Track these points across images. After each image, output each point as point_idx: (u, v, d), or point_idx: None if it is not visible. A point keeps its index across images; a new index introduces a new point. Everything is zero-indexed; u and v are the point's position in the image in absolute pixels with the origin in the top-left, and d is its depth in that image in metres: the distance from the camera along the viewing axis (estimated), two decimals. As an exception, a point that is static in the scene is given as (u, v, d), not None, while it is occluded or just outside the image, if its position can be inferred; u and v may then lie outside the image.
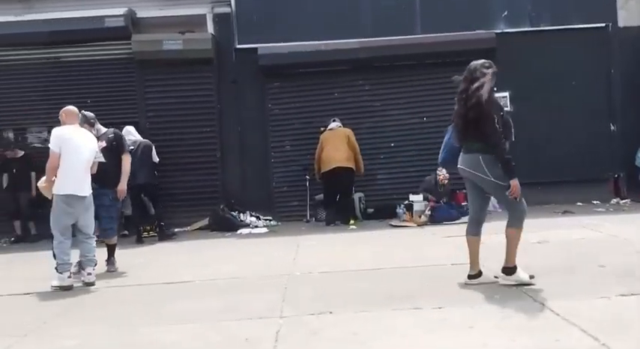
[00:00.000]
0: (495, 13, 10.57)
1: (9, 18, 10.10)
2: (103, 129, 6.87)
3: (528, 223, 4.88)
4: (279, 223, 10.04)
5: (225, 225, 9.61)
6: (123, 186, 6.55)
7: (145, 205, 9.68)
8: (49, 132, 10.19)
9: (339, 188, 9.58)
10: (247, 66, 10.50)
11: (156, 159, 9.27)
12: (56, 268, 5.71)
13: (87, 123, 6.61)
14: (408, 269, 5.69)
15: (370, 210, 10.07)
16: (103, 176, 6.30)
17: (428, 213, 9.26)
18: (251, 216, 10.09)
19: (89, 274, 5.81)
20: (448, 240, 7.26)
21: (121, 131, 9.11)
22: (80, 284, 5.78)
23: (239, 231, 9.43)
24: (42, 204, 9.98)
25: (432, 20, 10.45)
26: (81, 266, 5.87)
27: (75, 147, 5.82)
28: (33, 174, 9.99)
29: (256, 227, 9.64)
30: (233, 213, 9.87)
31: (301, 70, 10.41)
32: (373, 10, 10.48)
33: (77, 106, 10.27)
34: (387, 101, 10.58)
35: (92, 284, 5.78)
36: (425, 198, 9.47)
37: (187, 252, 7.76)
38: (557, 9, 10.57)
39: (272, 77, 10.54)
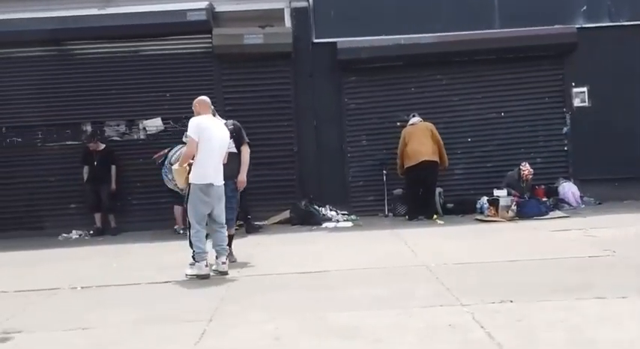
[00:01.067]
0: (574, 8, 10.50)
1: (91, 11, 10.14)
2: (222, 121, 6.86)
3: None
4: (358, 218, 10.03)
5: (308, 219, 9.60)
6: (243, 176, 6.54)
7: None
8: (127, 126, 10.56)
9: (424, 182, 9.55)
10: (323, 60, 10.51)
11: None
12: (193, 257, 5.72)
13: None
14: (544, 262, 5.64)
15: (450, 205, 10.04)
16: (224, 167, 6.30)
17: (514, 208, 9.23)
18: (329, 210, 10.10)
19: (223, 263, 5.82)
20: (557, 235, 7.22)
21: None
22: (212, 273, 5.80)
23: (323, 225, 9.43)
24: (122, 197, 10.29)
25: (511, 15, 10.40)
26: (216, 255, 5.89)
27: (211, 137, 5.82)
28: (113, 167, 10.08)
29: (338, 221, 9.64)
30: (315, 207, 9.86)
31: (378, 65, 10.40)
32: (452, 4, 10.45)
33: (156, 100, 10.55)
34: (465, 96, 10.55)
35: (226, 273, 5.79)
36: (508, 194, 9.44)
37: (291, 244, 7.77)
38: (636, 4, 10.50)
39: (349, 71, 10.53)
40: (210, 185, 5.75)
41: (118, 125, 10.53)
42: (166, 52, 10.43)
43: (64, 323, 4.32)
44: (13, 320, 4.51)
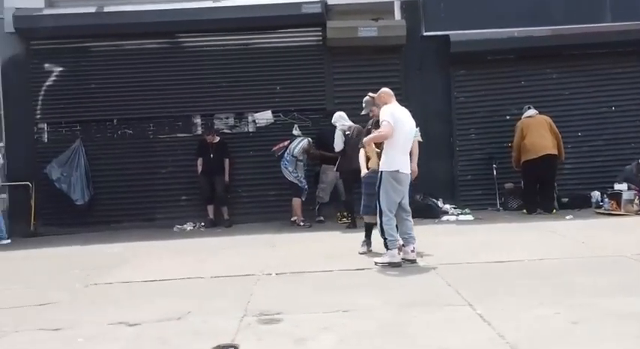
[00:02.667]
0: (688, 1, 10.42)
1: (205, 4, 10.17)
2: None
3: None
4: (471, 212, 9.98)
5: (426, 213, 9.54)
6: (415, 166, 6.50)
7: (339, 191, 9.75)
8: (236, 118, 10.59)
9: (543, 175, 9.50)
10: (432, 53, 10.48)
11: (367, 144, 9.25)
12: (386, 245, 5.72)
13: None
14: None
15: (565, 200, 9.97)
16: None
17: (637, 201, 9.16)
18: (443, 203, 10.07)
19: (412, 251, 5.81)
20: None
21: (332, 116, 9.31)
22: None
23: (444, 218, 9.41)
24: (232, 190, 10.31)
25: (623, 8, 10.31)
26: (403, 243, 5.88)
27: (404, 126, 5.82)
28: (227, 159, 10.11)
29: (458, 214, 9.60)
30: (433, 200, 9.83)
31: (489, 58, 10.36)
32: (565, -3, 10.40)
33: (266, 92, 10.57)
34: (575, 90, 10.47)
35: (414, 261, 5.78)
36: (627, 188, 9.37)
37: (441, 235, 7.72)
38: None
39: (458, 65, 10.48)
40: (402, 173, 5.75)
41: (227, 117, 10.55)
42: (277, 44, 10.43)
43: (318, 306, 4.33)
44: (260, 302, 4.52)
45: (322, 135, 9.78)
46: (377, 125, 6.69)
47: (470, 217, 9.43)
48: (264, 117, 10.46)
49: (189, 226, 10.00)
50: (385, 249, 5.72)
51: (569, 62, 10.44)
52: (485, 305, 4.10)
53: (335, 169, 9.14)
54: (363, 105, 6.98)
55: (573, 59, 10.41)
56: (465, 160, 10.55)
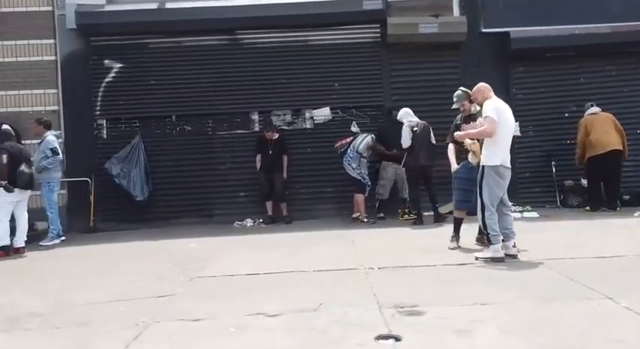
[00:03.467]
0: None
1: (265, 0, 10.18)
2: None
3: None
4: (533, 209, 9.94)
5: (489, 209, 9.52)
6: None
7: (398, 187, 9.74)
8: (293, 115, 10.58)
9: (609, 172, 9.45)
10: (490, 50, 10.44)
11: (433, 140, 9.23)
12: (489, 240, 5.71)
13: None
14: None
15: (626, 197, 9.93)
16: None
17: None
18: (503, 200, 10.01)
19: (514, 247, 5.80)
20: None
21: (397, 113, 9.31)
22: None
23: (507, 215, 9.37)
24: (289, 186, 10.31)
25: (685, 5, 10.28)
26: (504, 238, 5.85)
27: (507, 120, 5.80)
28: (285, 156, 10.10)
29: (522, 212, 9.56)
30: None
31: (548, 55, 10.33)
32: (626, -6, 10.35)
33: (324, 89, 10.56)
34: (635, 87, 10.42)
35: (515, 256, 5.76)
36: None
37: (523, 232, 7.65)
38: None
39: (517, 61, 10.45)
40: (505, 167, 5.74)
41: (284, 114, 10.55)
42: (336, 41, 10.43)
43: (451, 299, 4.31)
44: (387, 295, 4.51)
45: (382, 132, 9.80)
46: (468, 119, 6.70)
47: (534, 214, 9.38)
48: (322, 113, 10.45)
49: (249, 222, 10.01)
50: (478, 245, 5.70)
51: (628, 59, 10.40)
52: (628, 298, 4.08)
53: (401, 166, 9.13)
54: (454, 99, 6.96)
55: (633, 56, 10.37)
56: (524, 157, 10.50)
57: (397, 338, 3.51)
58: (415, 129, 8.89)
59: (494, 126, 5.65)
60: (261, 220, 10.08)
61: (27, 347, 3.82)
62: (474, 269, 5.47)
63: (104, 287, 5.36)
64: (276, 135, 10.05)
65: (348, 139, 9.69)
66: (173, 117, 10.45)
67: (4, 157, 7.96)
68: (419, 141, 8.88)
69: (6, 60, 10.30)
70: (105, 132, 10.42)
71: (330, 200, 10.31)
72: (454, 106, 6.97)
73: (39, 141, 8.99)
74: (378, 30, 10.36)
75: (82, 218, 10.10)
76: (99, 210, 10.17)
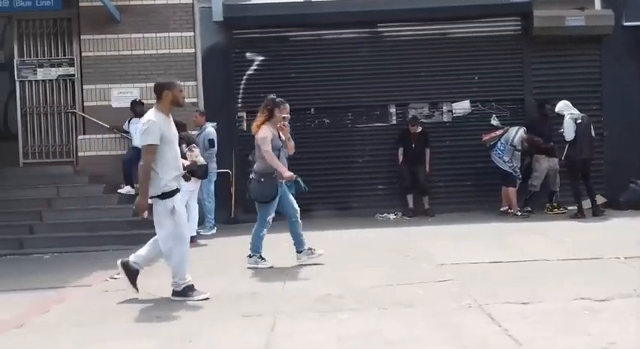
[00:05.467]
0: None
1: (406, -7, 10.21)
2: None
3: None
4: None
5: (640, 204, 9.45)
6: None
7: (550, 181, 9.69)
8: (431, 108, 10.59)
9: None
10: (631, 44, 10.34)
11: (593, 133, 9.16)
12: None
13: None
14: None
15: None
16: None
17: None
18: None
19: None
20: None
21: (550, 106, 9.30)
22: None
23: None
24: (431, 179, 10.30)
25: None
26: None
27: None
28: (428, 149, 10.09)
29: None
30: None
31: (692, 48, 10.22)
32: None
33: (463, 82, 10.54)
34: None
35: None
36: None
37: None
38: None
39: (659, 55, 10.36)
40: None
41: (421, 107, 10.55)
42: (475, 34, 10.41)
43: None
44: None
45: (531, 125, 9.74)
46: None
47: None
48: (462, 107, 10.43)
49: (391, 215, 10.04)
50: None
51: None
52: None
53: (562, 158, 9.08)
54: None
55: None
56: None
57: None
58: (579, 121, 8.84)
59: None
60: (401, 213, 10.10)
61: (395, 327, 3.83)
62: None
63: (363, 272, 5.40)
64: (420, 129, 10.05)
65: (498, 132, 9.65)
66: (312, 110, 10.51)
67: (184, 147, 8.05)
68: (582, 134, 8.83)
69: (146, 52, 10.42)
70: (245, 124, 10.49)
71: (470, 194, 10.28)
72: None
73: (198, 132, 9.13)
74: (519, 23, 10.32)
75: (222, 209, 10.18)
76: (239, 202, 10.26)
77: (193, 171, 8.13)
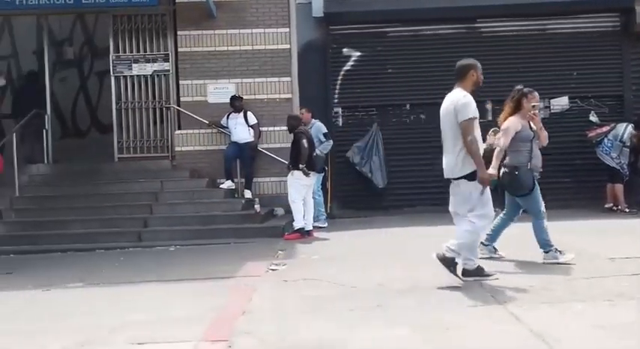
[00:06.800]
0: None
1: (504, -11, 10.16)
2: None
3: None
4: None
5: None
6: None
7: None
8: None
9: None
10: None
11: None
12: None
13: None
14: None
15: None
16: None
17: None
18: None
19: None
20: None
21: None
22: None
23: None
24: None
25: None
26: None
27: None
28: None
29: None
30: None
31: None
32: None
33: (562, 78, 10.46)
34: None
35: None
36: None
37: None
38: None
39: None
40: None
41: (517, 104, 10.48)
42: (574, 30, 10.37)
43: None
44: None
45: (640, 121, 9.67)
46: None
47: None
48: (560, 103, 10.37)
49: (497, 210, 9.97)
50: None
51: None
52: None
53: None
54: None
55: None
56: None
57: None
58: None
59: None
60: (496, 209, 10.02)
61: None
62: None
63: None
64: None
65: (604, 128, 9.58)
66: (407, 106, 10.50)
67: (305, 142, 8.07)
68: None
69: (242, 48, 10.43)
70: (340, 120, 10.51)
71: (569, 190, 10.20)
72: None
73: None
74: (618, 19, 10.25)
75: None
76: (335, 196, 10.27)
77: (314, 165, 8.21)
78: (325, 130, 9.10)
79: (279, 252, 7.08)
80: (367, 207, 10.25)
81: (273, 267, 6.02)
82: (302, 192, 8.18)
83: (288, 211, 8.94)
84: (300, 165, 8.02)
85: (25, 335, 4.08)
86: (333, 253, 6.82)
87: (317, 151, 8.38)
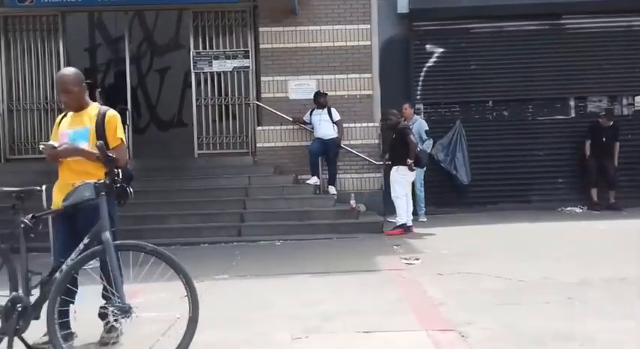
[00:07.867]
0: None
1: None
2: None
3: None
4: None
5: None
6: None
7: None
8: (609, 101, 10.48)
9: None
10: None
11: None
12: None
13: None
14: None
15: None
16: None
17: None
18: None
19: None
20: None
21: None
22: None
23: None
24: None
25: None
26: None
27: None
28: (617, 143, 9.97)
29: None
30: None
31: None
32: None
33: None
34: None
35: None
36: None
37: None
38: None
39: None
40: None
41: (599, 101, 10.45)
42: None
43: None
44: None
45: None
46: None
47: None
48: (646, 100, 10.32)
49: (577, 209, 9.94)
50: None
51: None
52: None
53: None
54: None
55: None
56: None
57: None
58: None
59: None
60: (585, 207, 9.99)
61: None
62: None
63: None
64: (611, 122, 9.94)
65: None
66: (490, 103, 10.46)
67: (412, 137, 8.05)
68: None
69: (323, 44, 10.41)
70: (422, 116, 10.47)
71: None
72: None
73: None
74: None
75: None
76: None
77: (419, 160, 8.19)
78: (427, 128, 9.11)
79: (394, 246, 7.06)
80: (451, 204, 10.21)
81: (407, 262, 5.99)
82: (406, 187, 8.17)
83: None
84: (409, 161, 7.99)
85: (244, 324, 3.97)
86: (458, 248, 6.76)
87: (421, 146, 8.36)
